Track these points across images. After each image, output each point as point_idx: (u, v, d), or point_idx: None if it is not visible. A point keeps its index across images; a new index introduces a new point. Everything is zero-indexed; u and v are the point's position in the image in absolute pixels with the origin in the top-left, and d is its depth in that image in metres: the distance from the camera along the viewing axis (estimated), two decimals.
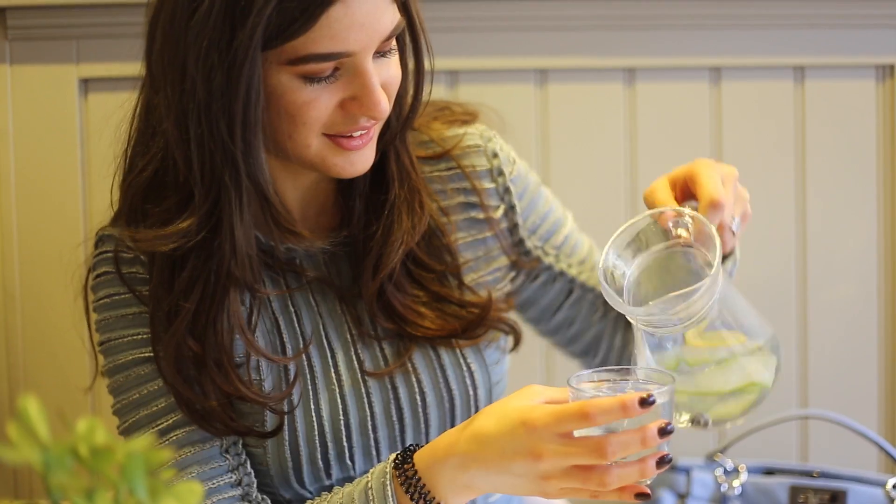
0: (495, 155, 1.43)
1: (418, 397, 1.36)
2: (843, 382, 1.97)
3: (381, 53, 1.22)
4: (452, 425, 1.37)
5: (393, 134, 1.31)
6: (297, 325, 1.35)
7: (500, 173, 1.43)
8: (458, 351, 1.37)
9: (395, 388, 1.36)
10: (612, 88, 1.91)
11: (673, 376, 1.13)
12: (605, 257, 1.19)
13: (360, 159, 1.26)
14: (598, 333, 1.54)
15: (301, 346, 1.34)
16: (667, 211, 1.20)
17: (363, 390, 1.35)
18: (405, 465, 1.20)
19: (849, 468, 1.73)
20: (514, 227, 1.44)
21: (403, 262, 1.35)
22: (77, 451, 0.67)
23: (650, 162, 1.92)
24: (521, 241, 1.45)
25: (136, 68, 1.82)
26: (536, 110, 1.90)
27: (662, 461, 1.09)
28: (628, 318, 1.20)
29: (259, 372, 1.32)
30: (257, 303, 1.32)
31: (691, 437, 1.93)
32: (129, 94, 1.36)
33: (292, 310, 1.36)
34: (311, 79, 1.19)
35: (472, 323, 1.37)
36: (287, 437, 1.32)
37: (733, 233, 1.26)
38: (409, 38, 1.28)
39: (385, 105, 1.21)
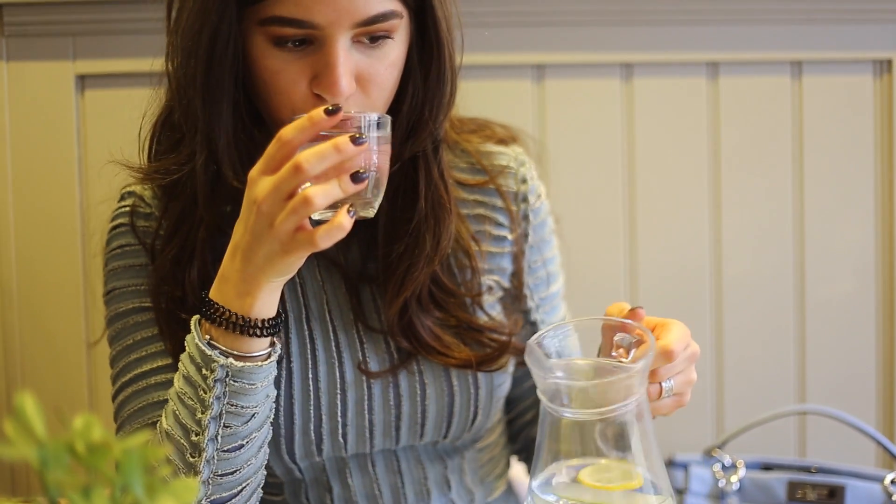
0: (524, 181, 1.43)
1: (418, 387, 1.36)
2: (841, 378, 1.97)
3: (369, 40, 1.22)
4: (450, 421, 1.38)
5: (416, 143, 1.30)
6: (300, 294, 1.36)
7: (525, 199, 1.43)
8: None
9: (395, 374, 1.36)
10: (609, 84, 1.90)
11: (389, 119, 1.16)
12: (541, 333, 1.13)
13: None
14: (519, 396, 1.52)
15: (303, 315, 1.36)
16: (628, 323, 1.13)
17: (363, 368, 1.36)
18: (206, 309, 1.19)
19: (847, 463, 1.72)
20: (520, 255, 1.44)
21: (428, 284, 1.35)
22: (74, 448, 0.66)
23: (648, 157, 1.92)
24: (519, 272, 1.44)
25: (132, 64, 1.82)
26: (534, 106, 1.89)
27: (357, 176, 1.10)
28: (538, 388, 1.11)
29: None
30: None
31: (689, 432, 1.93)
32: (126, 91, 1.38)
33: (297, 280, 1.37)
34: (280, 45, 1.20)
35: (488, 356, 1.37)
36: (282, 404, 1.33)
37: (660, 392, 1.17)
38: (423, 37, 1.27)
39: (344, 88, 1.20)
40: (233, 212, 1.29)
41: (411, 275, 1.32)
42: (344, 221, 1.11)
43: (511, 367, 1.43)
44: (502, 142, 1.46)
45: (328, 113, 1.10)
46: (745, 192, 1.94)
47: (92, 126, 1.83)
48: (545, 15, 1.87)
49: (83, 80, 1.84)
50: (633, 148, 1.92)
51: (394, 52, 1.24)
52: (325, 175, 1.09)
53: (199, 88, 1.23)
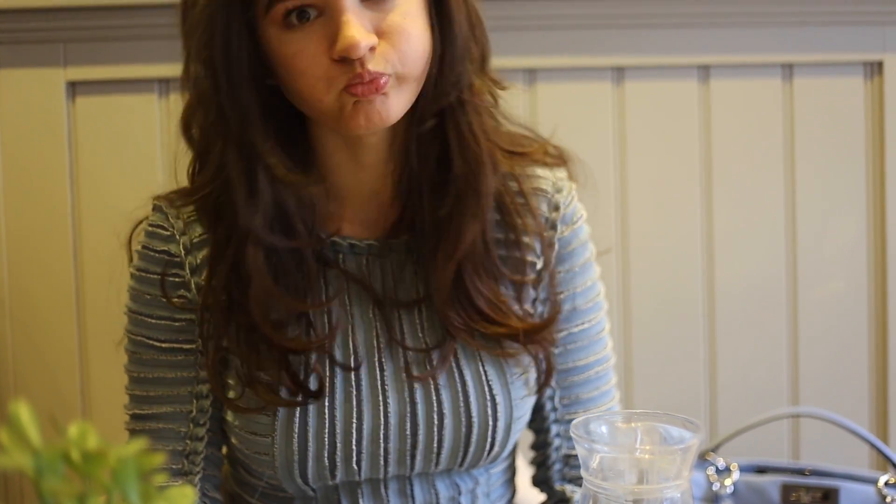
0: (556, 208, 1.40)
1: (436, 417, 1.33)
2: (834, 380, 1.97)
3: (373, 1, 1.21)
4: (466, 452, 1.35)
5: (438, 96, 1.28)
6: (325, 317, 1.34)
7: (553, 227, 1.39)
8: (483, 379, 1.34)
9: (413, 403, 1.33)
10: (600, 87, 1.90)
11: None
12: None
13: (374, 111, 1.22)
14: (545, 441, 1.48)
15: (325, 344, 1.34)
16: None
17: (380, 398, 1.33)
18: None
19: (841, 466, 1.72)
20: (548, 283, 1.40)
21: (481, 249, 1.33)
22: (69, 456, 0.66)
23: (639, 161, 1.92)
24: (547, 300, 1.40)
25: (123, 71, 1.81)
26: (525, 110, 1.89)
27: None
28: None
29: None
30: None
31: None
32: (117, 97, 1.37)
33: (324, 309, 1.35)
34: (291, 26, 1.20)
35: (537, 328, 1.34)
36: (297, 431, 1.32)
37: None
38: None
39: (360, 40, 1.17)
40: (274, 220, 1.29)
41: (462, 235, 1.30)
42: None
43: (532, 399, 1.40)
44: (547, 165, 1.44)
45: None
46: (737, 195, 1.94)
47: (83, 133, 1.83)
48: (536, 19, 1.87)
49: (74, 87, 1.84)
50: (624, 151, 1.92)
51: (399, 7, 1.22)
52: None
53: (225, 93, 1.22)
